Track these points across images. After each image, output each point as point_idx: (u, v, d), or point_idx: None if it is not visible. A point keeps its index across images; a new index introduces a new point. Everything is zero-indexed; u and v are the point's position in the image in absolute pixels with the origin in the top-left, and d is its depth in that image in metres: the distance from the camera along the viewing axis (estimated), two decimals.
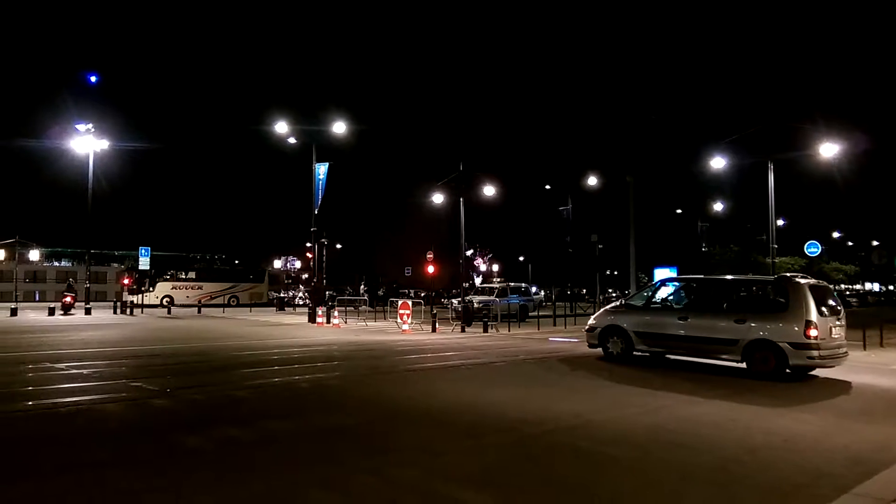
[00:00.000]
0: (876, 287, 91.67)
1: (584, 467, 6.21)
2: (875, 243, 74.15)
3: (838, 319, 12.07)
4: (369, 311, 33.40)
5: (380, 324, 27.24)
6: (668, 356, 13.96)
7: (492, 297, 31.73)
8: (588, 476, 5.94)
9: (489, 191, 49.33)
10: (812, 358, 11.33)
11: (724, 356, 12.39)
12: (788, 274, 13.28)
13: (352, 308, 34.39)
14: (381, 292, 57.46)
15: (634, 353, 13.86)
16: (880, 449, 6.99)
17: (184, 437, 7.03)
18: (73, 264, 69.11)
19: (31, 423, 7.81)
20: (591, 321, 15.13)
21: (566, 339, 20.52)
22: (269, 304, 49.98)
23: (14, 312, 30.90)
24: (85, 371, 11.98)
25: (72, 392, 9.73)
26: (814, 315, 11.34)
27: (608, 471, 6.10)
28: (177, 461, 6.18)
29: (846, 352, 12.36)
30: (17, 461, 6.18)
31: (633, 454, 6.61)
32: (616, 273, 76.35)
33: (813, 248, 30.79)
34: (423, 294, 51.08)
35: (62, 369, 12.17)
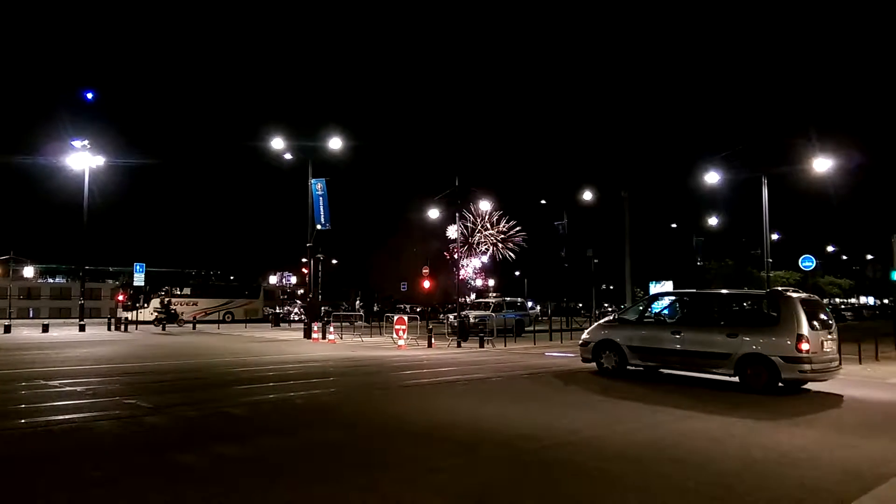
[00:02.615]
0: (871, 301, 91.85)
1: (583, 484, 6.20)
2: (869, 257, 74.43)
3: (830, 333, 12.13)
4: (365, 327, 33.34)
5: (376, 339, 27.20)
6: (661, 370, 13.99)
7: (488, 312, 31.72)
8: (587, 492, 5.93)
9: (485, 206, 49.49)
10: (804, 371, 11.37)
11: (716, 370, 12.42)
12: (780, 288, 13.35)
13: (347, 323, 34.35)
14: (376, 307, 57.40)
15: (628, 367, 13.88)
16: (878, 463, 7.00)
17: (177, 454, 7.01)
18: (67, 281, 68.83)
19: (24, 442, 7.77)
20: (584, 336, 15.17)
21: (562, 353, 20.51)
22: (264, 319, 49.85)
23: (7, 329, 30.75)
24: (79, 388, 11.93)
25: (65, 410, 9.69)
26: (805, 329, 11.40)
27: (607, 487, 6.09)
28: (170, 480, 6.16)
29: (839, 365, 12.41)
30: (9, 481, 6.15)
31: (632, 470, 6.61)
32: (612, 287, 76.50)
33: (808, 262, 30.93)
34: (419, 309, 51.02)
35: (56, 387, 12.11)
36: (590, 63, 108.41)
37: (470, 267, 49.86)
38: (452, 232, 45.72)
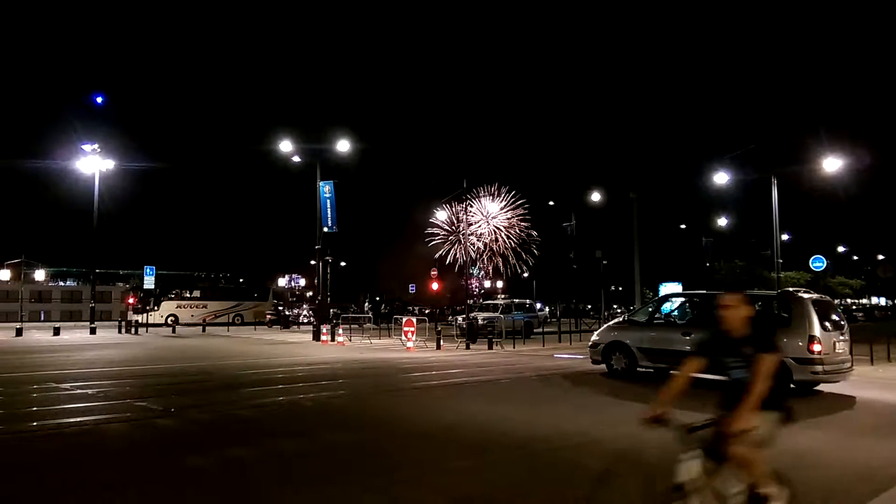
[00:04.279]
0: (882, 301, 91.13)
1: (591, 486, 6.17)
2: (881, 257, 73.84)
3: (842, 334, 12.03)
4: (373, 329, 33.36)
5: (384, 341, 27.21)
6: (671, 372, 13.91)
7: (496, 314, 31.68)
8: (596, 495, 5.92)
9: (493, 207, 49.37)
10: (816, 373, 11.29)
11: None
12: (791, 289, 13.26)
13: (356, 325, 34.37)
14: (384, 309, 57.41)
15: (638, 369, 13.82)
16: (890, 464, 6.95)
17: (188, 457, 7.03)
18: (78, 284, 69.23)
19: (36, 444, 7.82)
20: (594, 337, 15.11)
21: (571, 355, 20.45)
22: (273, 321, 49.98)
23: (19, 333, 30.97)
24: (90, 391, 12.01)
25: (77, 412, 9.75)
26: (817, 330, 11.31)
27: (617, 489, 6.06)
28: (181, 482, 6.19)
29: (851, 367, 12.31)
30: (22, 483, 6.19)
31: (642, 472, 6.57)
32: (621, 289, 76.21)
33: (818, 263, 30.72)
34: (427, 311, 51.03)
35: (67, 389, 12.19)
36: (598, 64, 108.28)
37: (478, 276, 49.59)
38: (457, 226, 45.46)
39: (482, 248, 51.20)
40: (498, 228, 50.19)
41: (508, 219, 50.23)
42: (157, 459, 7.03)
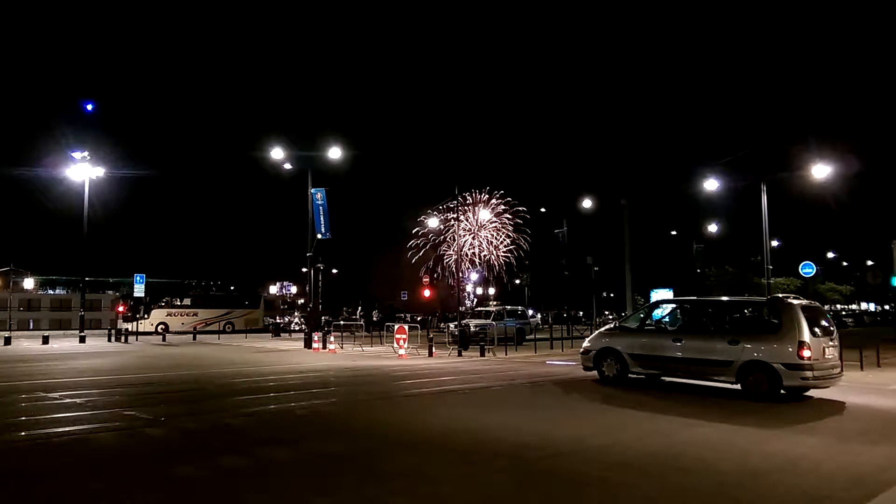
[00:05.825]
0: (872, 307, 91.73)
1: (586, 493, 6.17)
2: (870, 263, 74.34)
3: (831, 340, 12.11)
4: (365, 336, 33.25)
5: (376, 349, 27.14)
6: (663, 378, 13.94)
7: (488, 321, 31.67)
8: (590, 502, 5.91)
9: (485, 214, 49.47)
10: (806, 379, 11.34)
11: (718, 378, 12.39)
12: (781, 295, 13.34)
13: (348, 333, 34.26)
14: (376, 316, 57.30)
15: (630, 375, 13.84)
16: (881, 469, 6.99)
17: (178, 466, 6.98)
18: (67, 292, 68.71)
19: (23, 455, 7.74)
20: (585, 344, 15.12)
21: (563, 361, 20.46)
22: (264, 329, 49.76)
23: (8, 341, 30.69)
24: (79, 400, 11.90)
25: (65, 422, 9.66)
26: (807, 336, 11.37)
27: (610, 497, 6.07)
28: (171, 492, 6.13)
29: (840, 372, 12.37)
30: (9, 494, 6.12)
31: (634, 479, 6.58)
32: (612, 295, 76.41)
33: (808, 269, 30.90)
34: (419, 318, 50.94)
35: (56, 399, 12.08)
36: (589, 71, 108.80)
37: (470, 283, 49.54)
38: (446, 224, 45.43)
39: (473, 257, 51.21)
40: (489, 241, 50.20)
41: (497, 228, 50.25)
42: (146, 469, 6.97)
